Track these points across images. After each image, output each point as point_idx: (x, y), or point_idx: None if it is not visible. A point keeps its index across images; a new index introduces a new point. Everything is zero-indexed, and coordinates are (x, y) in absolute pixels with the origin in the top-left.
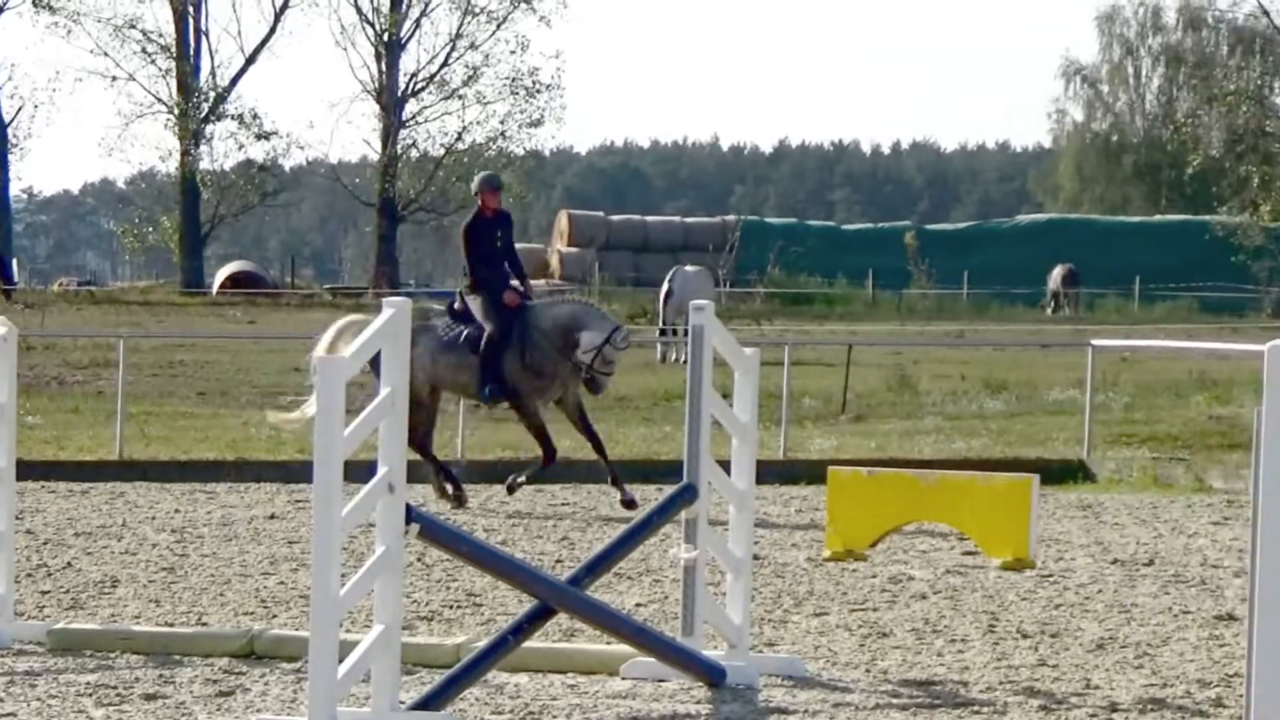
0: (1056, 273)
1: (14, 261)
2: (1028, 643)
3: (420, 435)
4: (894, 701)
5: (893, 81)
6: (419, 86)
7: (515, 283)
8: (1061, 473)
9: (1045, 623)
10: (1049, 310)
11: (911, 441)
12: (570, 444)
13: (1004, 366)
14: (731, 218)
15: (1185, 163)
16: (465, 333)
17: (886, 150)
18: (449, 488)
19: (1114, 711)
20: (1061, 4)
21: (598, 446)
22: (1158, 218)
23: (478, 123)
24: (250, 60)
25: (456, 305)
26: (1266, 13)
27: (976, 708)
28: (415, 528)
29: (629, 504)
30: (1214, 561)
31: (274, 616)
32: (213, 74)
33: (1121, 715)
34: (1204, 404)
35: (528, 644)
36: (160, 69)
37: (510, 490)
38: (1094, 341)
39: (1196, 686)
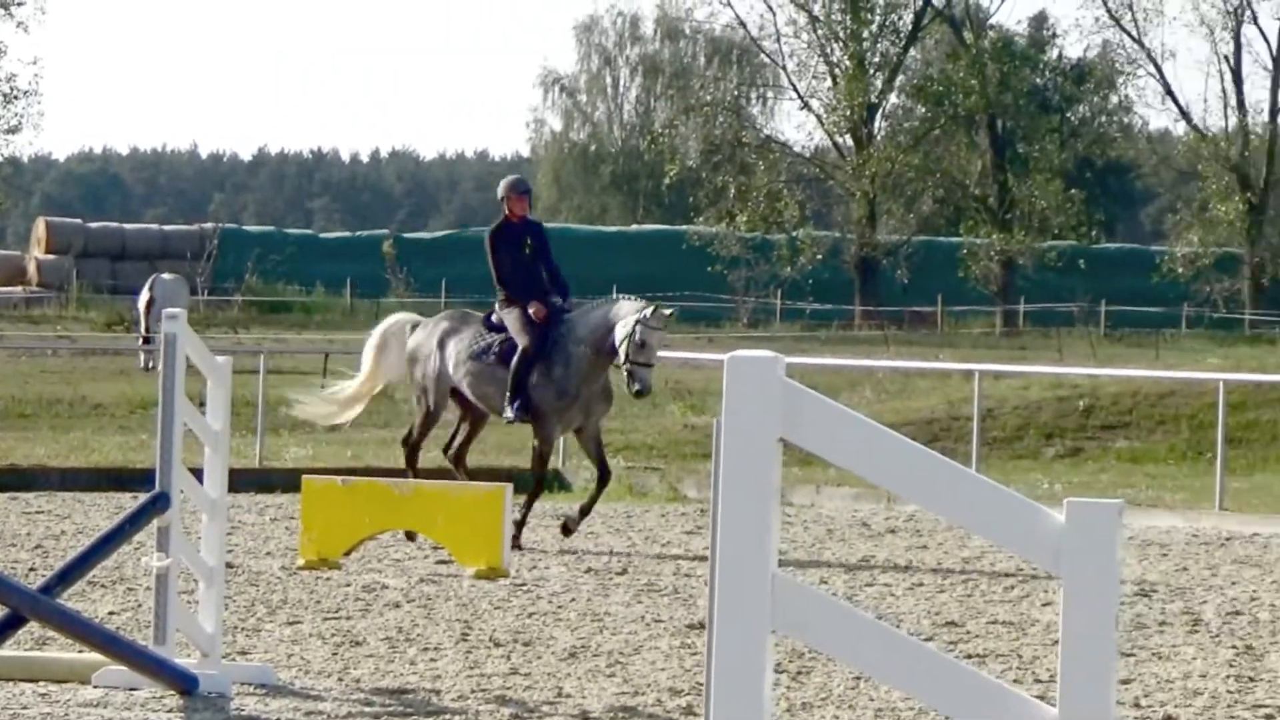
0: None
1: None
2: (500, 651)
3: (458, 445)
4: (366, 710)
5: (371, 89)
6: None
7: (555, 298)
8: None
9: (518, 631)
10: None
11: (388, 450)
12: (45, 451)
13: None
14: (209, 225)
15: (663, 173)
16: (497, 344)
17: (365, 158)
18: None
19: (585, 719)
20: (540, 13)
21: (603, 480)
22: (635, 227)
23: None
24: None
25: (494, 318)
26: (743, 24)
27: (449, 716)
28: None
29: (565, 526)
30: (686, 570)
31: None
32: None
33: None
34: (679, 413)
35: None
36: None
37: (566, 532)
38: None
39: (668, 694)
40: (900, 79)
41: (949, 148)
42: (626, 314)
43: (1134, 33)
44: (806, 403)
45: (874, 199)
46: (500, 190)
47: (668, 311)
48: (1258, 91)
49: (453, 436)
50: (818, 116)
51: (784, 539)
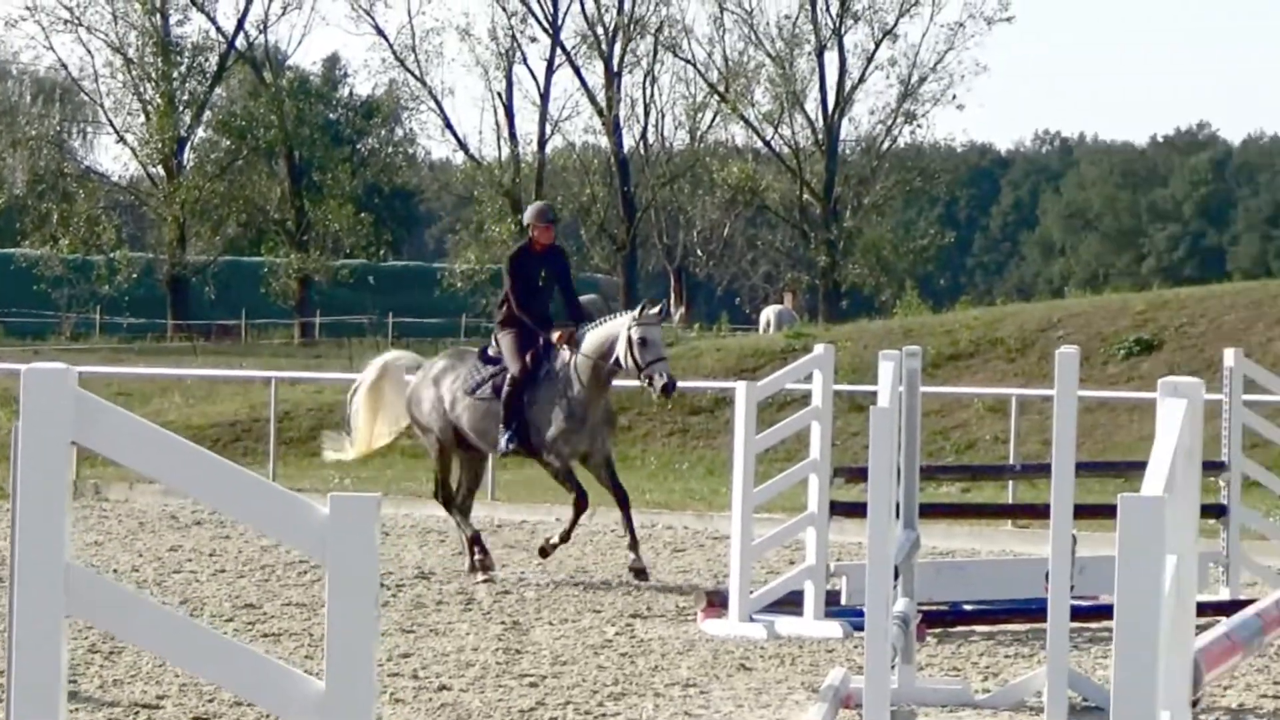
0: None
1: None
2: None
3: (461, 495)
4: None
5: None
6: None
7: (564, 328)
8: None
9: None
10: None
11: None
12: None
13: None
14: None
15: None
16: (490, 378)
17: None
18: (478, 558)
19: None
20: None
21: (623, 504)
22: None
23: None
24: None
25: (491, 350)
26: (65, 65)
27: None
28: None
29: (639, 573)
30: (3, 562)
31: None
32: None
33: None
34: (4, 419)
35: None
36: None
37: (544, 554)
38: None
39: None
40: (207, 115)
41: (251, 176)
42: (619, 325)
43: (417, 72)
44: (96, 410)
45: (184, 223)
46: (527, 217)
47: (655, 309)
48: (527, 124)
49: (455, 488)
50: (132, 149)
51: (99, 531)
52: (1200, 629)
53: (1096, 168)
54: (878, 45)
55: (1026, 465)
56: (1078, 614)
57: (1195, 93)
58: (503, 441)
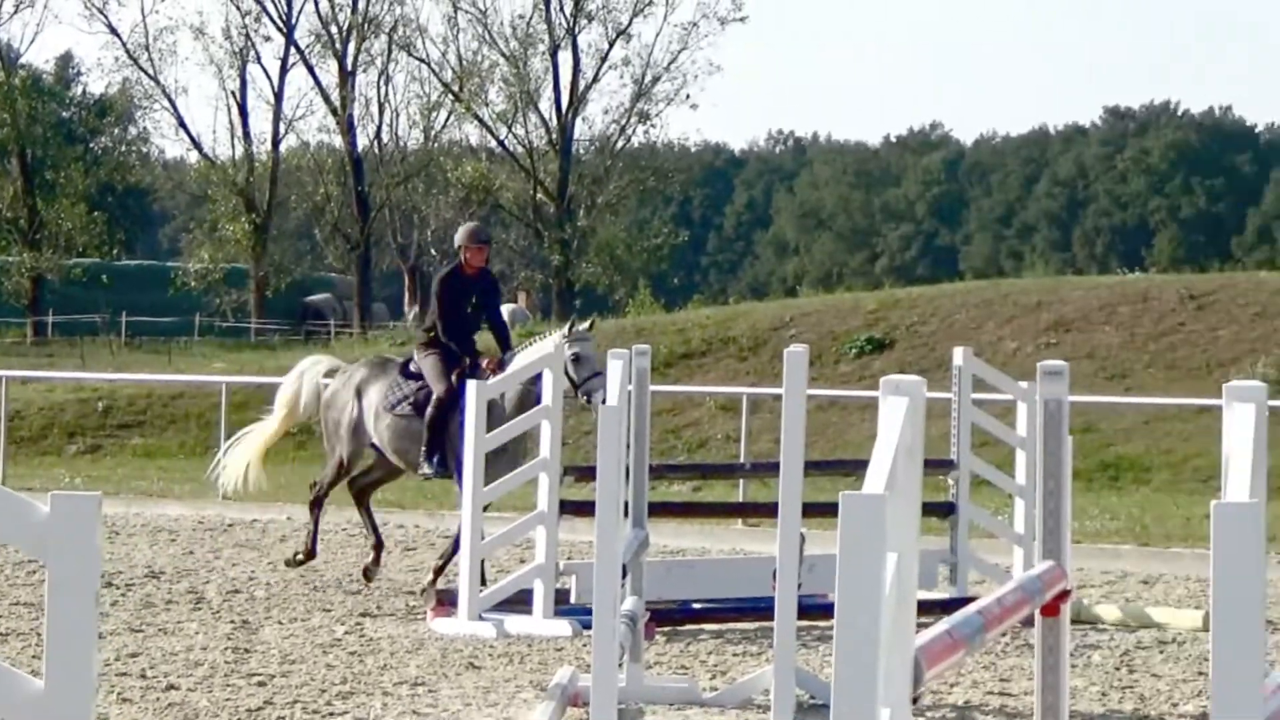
0: None
1: None
2: None
3: (362, 485)
4: None
5: None
6: None
7: (494, 357)
8: None
9: None
10: None
11: None
12: None
13: None
14: None
15: None
16: (412, 394)
17: None
18: (300, 554)
19: None
20: None
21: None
22: None
23: None
24: None
25: (412, 366)
26: None
27: None
28: None
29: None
30: None
31: None
32: None
33: None
34: None
35: None
36: None
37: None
38: None
39: None
40: None
41: None
42: (550, 344)
43: (150, 71)
44: None
45: None
46: (459, 238)
47: (586, 325)
48: (261, 123)
49: (352, 476)
50: None
51: None
52: (924, 627)
53: (830, 167)
54: (611, 45)
55: (757, 464)
56: (805, 612)
57: (928, 93)
58: (426, 467)
